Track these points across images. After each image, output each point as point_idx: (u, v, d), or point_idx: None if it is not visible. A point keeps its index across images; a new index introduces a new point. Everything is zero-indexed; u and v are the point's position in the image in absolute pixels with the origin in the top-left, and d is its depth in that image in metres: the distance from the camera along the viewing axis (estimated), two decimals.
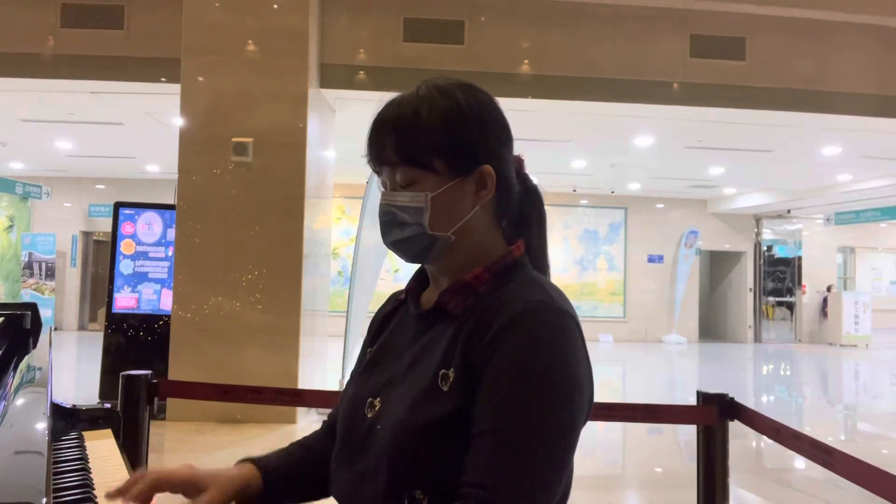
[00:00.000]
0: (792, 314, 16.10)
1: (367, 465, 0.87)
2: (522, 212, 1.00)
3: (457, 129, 0.91)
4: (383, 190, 0.95)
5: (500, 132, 0.97)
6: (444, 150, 0.91)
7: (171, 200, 6.56)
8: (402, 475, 0.83)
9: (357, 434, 0.92)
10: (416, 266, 1.02)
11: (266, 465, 1.01)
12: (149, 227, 6.49)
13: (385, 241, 0.96)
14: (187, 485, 0.92)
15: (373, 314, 1.13)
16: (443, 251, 0.93)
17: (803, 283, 16.12)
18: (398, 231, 0.92)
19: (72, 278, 14.17)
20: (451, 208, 0.92)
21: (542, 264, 1.00)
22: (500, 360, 0.81)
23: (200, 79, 5.76)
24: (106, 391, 6.03)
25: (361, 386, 0.98)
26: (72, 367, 9.37)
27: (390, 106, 0.94)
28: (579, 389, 0.83)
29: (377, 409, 0.91)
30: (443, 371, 0.86)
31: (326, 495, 1.03)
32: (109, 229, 6.66)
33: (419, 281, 1.03)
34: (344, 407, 0.99)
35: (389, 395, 0.91)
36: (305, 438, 1.10)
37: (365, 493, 0.87)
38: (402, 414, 0.86)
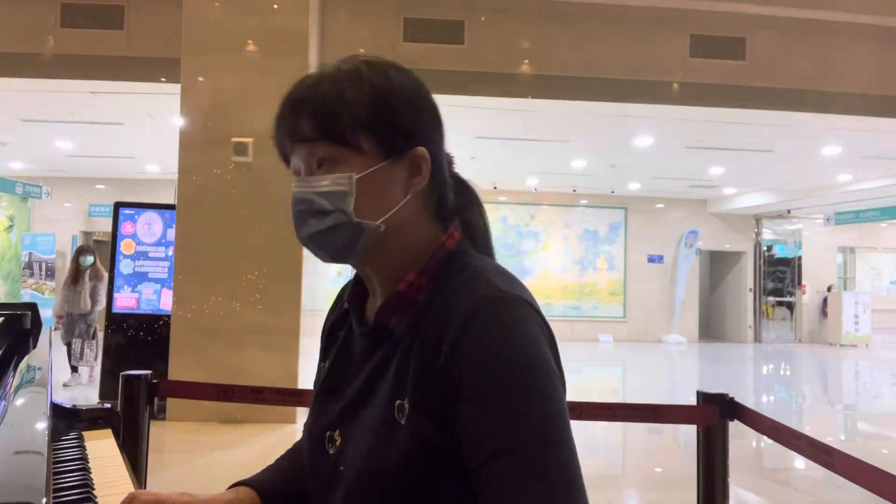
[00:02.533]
0: (792, 314, 16.10)
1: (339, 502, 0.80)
2: (459, 210, 0.89)
3: (388, 105, 0.79)
4: (296, 178, 0.82)
5: (434, 118, 0.84)
6: (373, 126, 0.78)
7: (171, 200, 6.56)
8: None
9: (322, 472, 0.84)
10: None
11: (261, 486, 0.95)
12: (149, 227, 6.49)
13: (300, 236, 0.84)
14: None
15: None
16: (369, 246, 0.81)
17: (803, 283, 16.12)
18: (316, 221, 0.80)
19: None
20: (379, 194, 0.79)
21: (487, 247, 0.90)
22: (469, 383, 0.71)
23: (200, 79, 5.76)
24: (106, 391, 6.03)
25: (319, 413, 0.89)
26: None
27: (307, 78, 0.81)
28: (552, 380, 0.73)
29: (338, 444, 0.83)
30: (398, 402, 0.76)
31: None
32: (109, 229, 6.66)
33: (361, 289, 0.90)
34: (306, 436, 0.91)
35: (347, 429, 0.83)
36: (290, 450, 1.05)
37: None
38: (364, 456, 0.77)
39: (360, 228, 0.79)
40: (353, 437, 0.81)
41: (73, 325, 7.38)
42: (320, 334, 0.99)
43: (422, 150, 0.81)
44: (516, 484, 0.67)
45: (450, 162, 0.89)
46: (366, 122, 0.78)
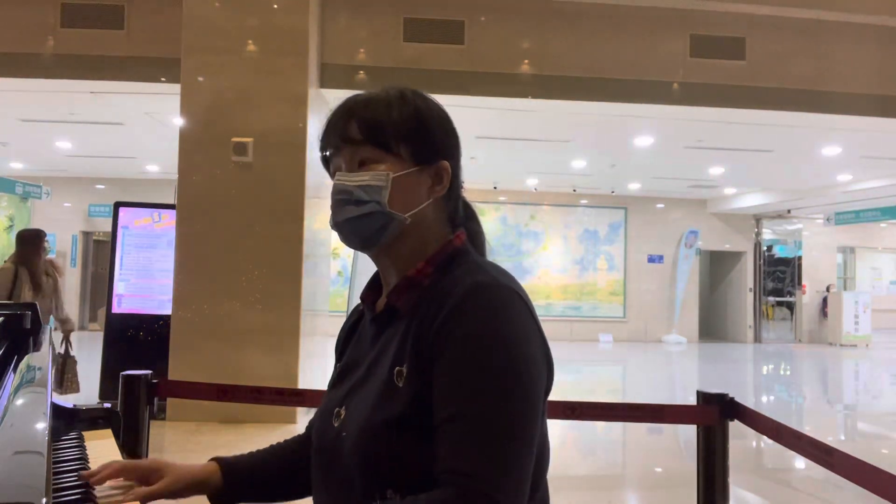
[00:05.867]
0: (792, 314, 16.10)
1: (339, 473, 0.90)
2: (465, 221, 1.04)
3: (425, 123, 0.96)
4: (338, 173, 0.96)
5: (456, 142, 1.01)
6: (411, 138, 0.94)
7: (171, 200, 6.56)
8: (372, 476, 0.85)
9: (327, 444, 0.94)
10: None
11: (228, 464, 1.07)
12: (149, 226, 6.49)
13: (335, 220, 0.95)
14: (149, 473, 1.00)
15: None
16: (395, 235, 0.94)
17: (803, 283, 16.12)
18: (353, 208, 0.93)
19: (72, 278, 14.16)
20: (408, 193, 0.94)
21: (483, 252, 1.04)
22: (450, 345, 0.83)
23: (200, 79, 5.76)
24: (106, 391, 6.03)
25: (329, 399, 1.00)
26: None
27: (359, 95, 0.98)
28: (530, 361, 0.85)
29: (342, 417, 0.93)
30: (397, 368, 0.88)
31: (287, 498, 1.09)
32: (109, 229, 6.65)
33: (374, 288, 1.04)
34: (316, 421, 1.02)
35: (352, 403, 0.93)
36: (278, 443, 1.15)
37: (342, 501, 0.90)
38: (363, 417, 0.88)
39: (391, 218, 0.93)
40: (355, 408, 0.92)
41: None
42: (335, 344, 1.11)
43: (446, 163, 0.97)
44: (458, 444, 0.79)
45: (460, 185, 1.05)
46: (406, 134, 0.94)
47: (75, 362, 5.28)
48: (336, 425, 0.93)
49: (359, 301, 1.08)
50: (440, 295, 0.88)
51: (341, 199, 0.94)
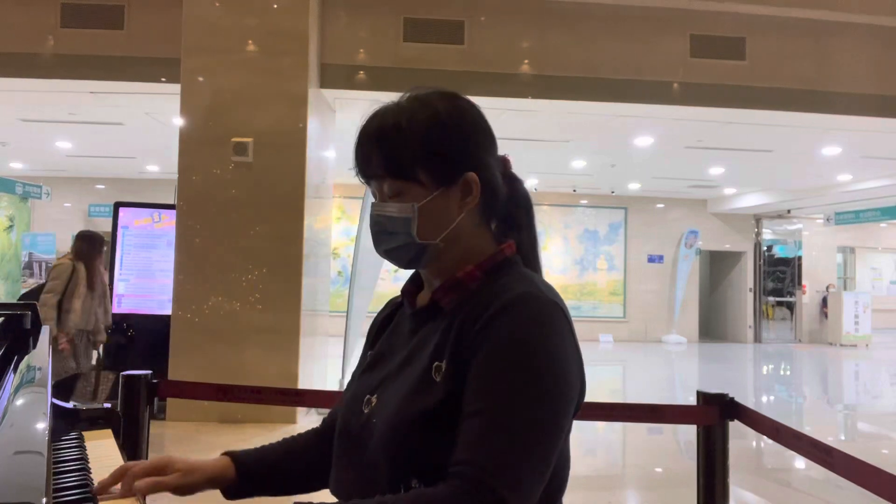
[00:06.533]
0: (792, 314, 16.10)
1: (366, 458, 0.90)
2: (510, 213, 1.03)
3: (437, 140, 0.93)
4: (373, 200, 0.98)
5: (482, 138, 0.98)
6: (427, 162, 0.93)
7: (171, 200, 6.55)
8: (399, 465, 0.86)
9: (354, 429, 0.95)
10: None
11: (240, 459, 1.06)
12: (149, 226, 6.49)
13: (377, 250, 0.99)
14: (159, 470, 0.98)
15: (373, 314, 1.17)
16: (433, 257, 0.96)
17: (803, 283, 16.11)
18: (389, 240, 0.96)
19: None
20: (437, 217, 0.94)
21: (534, 264, 1.02)
22: (489, 345, 0.84)
23: (200, 79, 5.76)
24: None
25: (360, 385, 1.01)
26: None
27: (374, 118, 0.96)
28: (565, 376, 0.86)
29: (373, 405, 0.94)
30: (436, 363, 0.89)
31: (302, 491, 1.08)
32: (109, 229, 6.65)
33: (415, 283, 1.05)
34: (343, 406, 1.02)
35: (385, 391, 0.94)
36: (291, 437, 1.14)
37: (365, 486, 0.89)
38: (397, 406, 0.89)
39: (424, 247, 0.95)
40: (388, 396, 0.93)
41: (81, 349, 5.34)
42: (367, 331, 1.12)
43: (472, 175, 0.95)
44: (476, 436, 0.80)
45: (505, 164, 1.02)
46: (420, 160, 0.93)
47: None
48: (366, 411, 0.94)
49: (398, 296, 1.09)
50: (487, 298, 0.89)
51: (378, 231, 0.97)
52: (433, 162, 0.93)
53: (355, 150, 0.98)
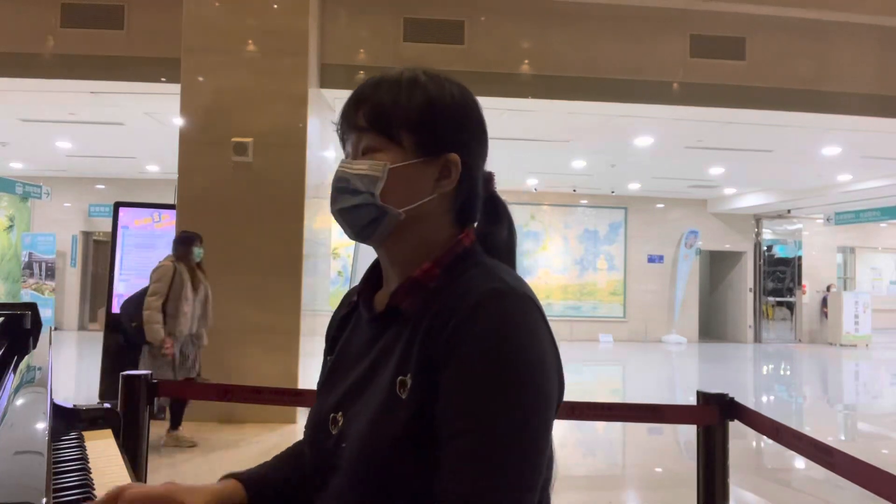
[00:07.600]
0: (792, 314, 16.10)
1: (340, 485, 0.85)
2: (488, 232, 0.95)
3: (434, 111, 0.89)
4: (342, 160, 0.92)
5: (479, 132, 0.93)
6: (415, 126, 0.88)
7: (171, 200, 6.56)
8: (375, 492, 0.80)
9: (325, 452, 0.88)
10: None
11: (248, 479, 0.98)
12: (149, 226, 6.49)
13: (332, 209, 0.92)
14: (164, 501, 0.88)
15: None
16: (389, 230, 0.88)
17: (803, 283, 16.12)
18: (348, 198, 0.88)
19: (72, 278, 14.17)
20: (407, 186, 0.88)
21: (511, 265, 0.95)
22: (461, 357, 0.77)
23: (200, 79, 5.76)
24: (106, 391, 6.03)
25: (323, 401, 0.94)
26: (72, 367, 9.37)
27: (372, 79, 0.93)
28: (546, 376, 0.79)
29: (340, 424, 0.88)
30: (400, 378, 0.82)
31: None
32: (109, 229, 6.65)
33: (371, 283, 0.98)
34: (309, 424, 0.95)
35: (350, 409, 0.88)
36: (286, 450, 1.08)
37: None
38: (365, 430, 0.82)
39: (383, 212, 0.87)
40: (356, 415, 0.86)
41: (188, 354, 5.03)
42: (325, 332, 1.04)
43: (454, 156, 0.89)
44: (463, 462, 0.73)
45: (488, 179, 0.96)
46: (411, 123, 0.88)
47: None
48: (334, 432, 0.88)
49: (354, 292, 1.01)
50: (450, 302, 0.81)
51: (338, 187, 0.89)
52: (421, 128, 0.88)
53: (345, 105, 0.93)
